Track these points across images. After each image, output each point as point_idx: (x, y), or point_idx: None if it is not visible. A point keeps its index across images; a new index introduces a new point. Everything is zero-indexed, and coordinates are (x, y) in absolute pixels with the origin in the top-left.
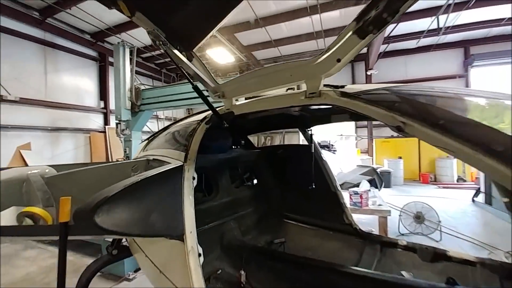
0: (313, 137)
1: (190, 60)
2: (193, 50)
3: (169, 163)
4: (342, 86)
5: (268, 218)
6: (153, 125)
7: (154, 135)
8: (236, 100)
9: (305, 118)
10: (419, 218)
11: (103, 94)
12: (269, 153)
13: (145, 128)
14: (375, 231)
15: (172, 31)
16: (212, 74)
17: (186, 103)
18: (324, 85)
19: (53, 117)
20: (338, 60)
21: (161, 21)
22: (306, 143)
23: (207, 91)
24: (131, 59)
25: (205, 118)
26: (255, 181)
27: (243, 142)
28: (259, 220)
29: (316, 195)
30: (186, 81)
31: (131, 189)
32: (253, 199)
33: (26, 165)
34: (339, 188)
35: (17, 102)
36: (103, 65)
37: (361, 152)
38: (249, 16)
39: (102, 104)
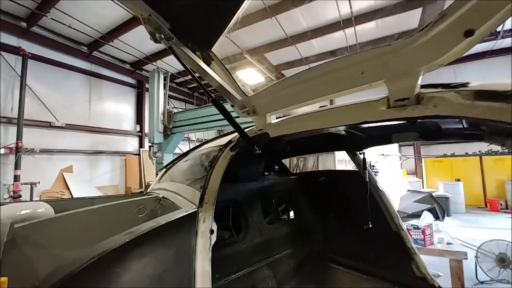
0: (366, 161)
1: (208, 64)
2: (212, 50)
3: (179, 207)
4: (457, 85)
5: (309, 262)
6: (185, 147)
7: (174, 161)
8: (271, 116)
9: (357, 139)
10: (503, 261)
11: (139, 118)
12: (309, 180)
13: (177, 150)
14: (442, 275)
15: (179, 22)
16: (239, 84)
17: (216, 125)
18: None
19: (93, 141)
20: (468, 33)
21: (163, 6)
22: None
23: (232, 106)
24: (164, 84)
25: (229, 142)
26: (291, 214)
27: (276, 167)
28: (298, 266)
29: (372, 235)
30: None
31: (109, 259)
32: (290, 238)
33: (67, 187)
34: (403, 227)
35: (63, 128)
36: (140, 91)
37: (408, 174)
38: (279, 35)
39: (138, 128)
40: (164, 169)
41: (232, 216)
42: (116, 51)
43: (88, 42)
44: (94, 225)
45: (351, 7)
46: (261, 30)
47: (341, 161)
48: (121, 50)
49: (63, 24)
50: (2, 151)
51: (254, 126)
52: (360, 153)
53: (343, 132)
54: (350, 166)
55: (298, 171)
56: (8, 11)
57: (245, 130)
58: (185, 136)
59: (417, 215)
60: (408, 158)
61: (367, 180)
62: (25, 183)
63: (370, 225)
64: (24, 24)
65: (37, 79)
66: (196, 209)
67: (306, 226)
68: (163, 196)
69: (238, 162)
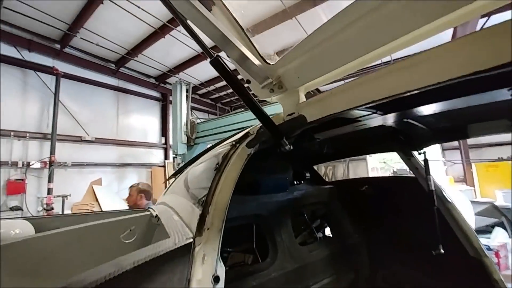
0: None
1: (208, 8)
2: None
3: (167, 234)
4: None
5: None
6: None
7: (185, 166)
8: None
9: (416, 133)
10: None
11: (164, 130)
12: (348, 190)
13: None
14: None
15: None
16: (256, 46)
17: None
18: None
19: (121, 154)
20: None
21: None
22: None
23: (247, 82)
24: (187, 96)
25: (246, 135)
26: (328, 231)
27: (308, 174)
28: None
29: (440, 261)
30: (239, 111)
31: None
32: (329, 263)
33: (97, 199)
34: (485, 252)
35: (93, 141)
36: (164, 104)
37: (456, 181)
38: (301, 37)
39: (163, 140)
40: (174, 178)
41: (256, 237)
42: (141, 66)
43: (115, 59)
44: (70, 251)
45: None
46: (282, 33)
47: (373, 168)
48: (145, 64)
49: (92, 42)
50: (38, 165)
51: (281, 113)
52: (420, 153)
53: (396, 125)
54: (381, 174)
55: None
56: (44, 34)
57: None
58: (208, 146)
59: (480, 230)
60: (455, 163)
61: (433, 188)
62: (57, 196)
63: (442, 250)
64: (58, 46)
65: (69, 96)
66: (192, 240)
67: (348, 247)
68: (156, 215)
69: (259, 167)
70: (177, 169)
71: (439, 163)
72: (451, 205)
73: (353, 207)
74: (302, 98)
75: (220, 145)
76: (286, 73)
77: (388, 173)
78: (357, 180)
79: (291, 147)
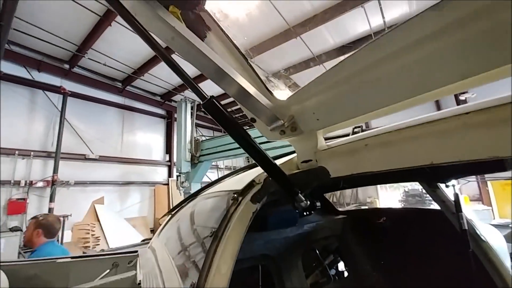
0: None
1: (201, 36)
2: (204, 7)
3: None
4: None
5: None
6: (213, 175)
7: (180, 204)
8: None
9: (443, 165)
10: None
11: (168, 148)
12: (363, 221)
13: (205, 179)
14: None
15: None
16: (262, 78)
17: (244, 152)
18: None
19: (125, 172)
20: None
21: None
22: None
23: (252, 121)
24: (192, 113)
25: (250, 185)
26: (341, 267)
27: (318, 204)
28: None
29: None
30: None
31: None
32: None
33: (98, 219)
34: None
35: (97, 159)
36: (169, 121)
37: (471, 200)
38: (305, 55)
39: (167, 158)
40: (170, 215)
41: (262, 277)
42: (147, 84)
43: (122, 78)
44: None
45: (383, 17)
46: (287, 52)
47: (383, 187)
48: (151, 83)
49: (99, 62)
50: (40, 184)
51: (294, 156)
52: (447, 186)
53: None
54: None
55: (334, 201)
56: (54, 55)
57: (278, 162)
58: (213, 164)
59: None
60: (469, 181)
61: (466, 227)
62: (58, 216)
63: None
64: (67, 66)
65: (75, 115)
66: None
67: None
68: (139, 282)
69: (266, 202)
70: (180, 187)
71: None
72: (486, 245)
73: (370, 242)
74: (321, 142)
75: (220, 185)
76: (301, 113)
77: (398, 192)
78: (373, 211)
79: (308, 203)
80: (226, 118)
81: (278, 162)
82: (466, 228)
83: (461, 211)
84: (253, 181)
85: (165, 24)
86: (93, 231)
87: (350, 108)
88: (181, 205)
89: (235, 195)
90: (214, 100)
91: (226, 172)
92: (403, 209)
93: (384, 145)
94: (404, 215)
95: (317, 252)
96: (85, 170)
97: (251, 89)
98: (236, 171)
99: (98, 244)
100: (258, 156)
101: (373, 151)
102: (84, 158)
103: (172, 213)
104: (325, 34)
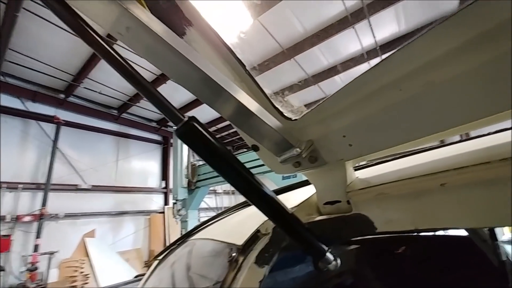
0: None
1: (179, 33)
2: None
3: None
4: None
5: None
6: (211, 201)
7: (168, 249)
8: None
9: None
10: None
11: (164, 174)
12: (380, 251)
13: (203, 204)
14: None
15: None
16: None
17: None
18: None
19: (118, 201)
20: None
21: None
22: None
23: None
24: None
25: (255, 238)
26: None
27: None
28: None
29: None
30: (242, 152)
31: None
32: None
33: (87, 254)
34: None
35: (89, 190)
36: (165, 147)
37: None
38: (300, 75)
39: (163, 184)
40: (157, 261)
41: None
42: (142, 111)
43: (118, 105)
44: None
45: (374, 37)
46: (282, 73)
47: None
48: (147, 109)
49: (95, 91)
50: (27, 218)
51: (314, 193)
52: None
53: None
54: None
55: None
56: (49, 85)
57: (288, 201)
58: (211, 189)
59: None
60: None
61: (504, 258)
62: (44, 253)
63: None
64: (62, 96)
65: (69, 144)
66: None
67: None
68: None
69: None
70: (177, 215)
71: None
72: None
73: (390, 276)
74: (352, 177)
75: (216, 229)
76: (325, 136)
77: None
78: (390, 239)
79: (339, 262)
80: (208, 145)
81: (289, 202)
82: (504, 259)
83: (496, 240)
84: (257, 231)
85: (114, 6)
86: (82, 268)
87: (406, 126)
88: (169, 248)
89: (234, 254)
90: (194, 124)
91: (225, 196)
92: (425, 236)
93: (474, 185)
94: (426, 243)
95: None
96: (77, 201)
97: (252, 105)
98: (234, 208)
99: (87, 283)
100: (259, 203)
101: (452, 193)
102: (75, 188)
103: (159, 258)
104: (319, 55)
